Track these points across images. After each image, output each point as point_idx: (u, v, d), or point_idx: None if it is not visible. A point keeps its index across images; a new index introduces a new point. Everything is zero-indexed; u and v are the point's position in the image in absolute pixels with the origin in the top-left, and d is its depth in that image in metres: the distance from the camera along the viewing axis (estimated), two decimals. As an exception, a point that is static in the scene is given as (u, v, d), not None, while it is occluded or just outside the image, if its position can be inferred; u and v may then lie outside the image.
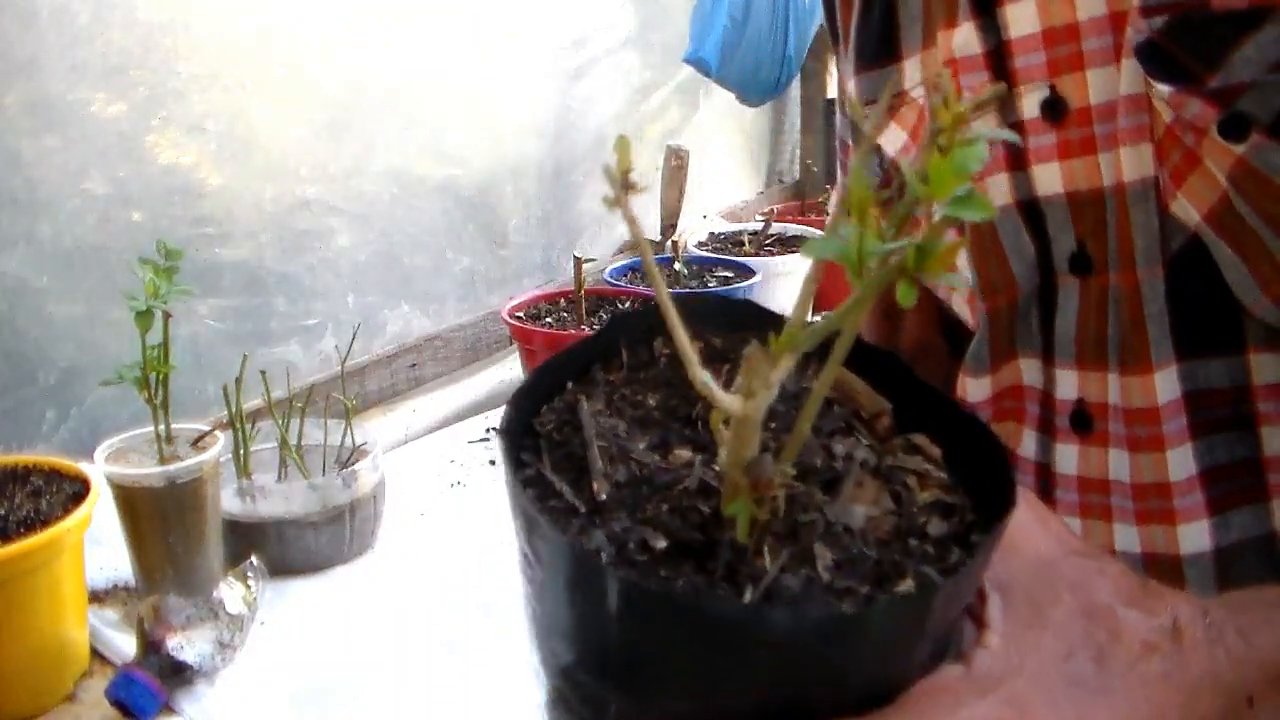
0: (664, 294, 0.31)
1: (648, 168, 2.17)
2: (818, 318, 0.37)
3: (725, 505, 0.33)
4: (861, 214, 0.27)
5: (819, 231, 2.04)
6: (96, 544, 1.07)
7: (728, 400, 0.31)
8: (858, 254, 0.27)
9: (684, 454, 0.37)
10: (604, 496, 0.35)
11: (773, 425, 0.37)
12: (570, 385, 0.40)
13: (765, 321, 0.42)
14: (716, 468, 0.35)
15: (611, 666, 0.33)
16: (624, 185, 0.30)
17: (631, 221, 0.29)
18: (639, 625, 0.31)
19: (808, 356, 0.41)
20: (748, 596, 0.31)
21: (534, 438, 0.38)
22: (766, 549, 0.33)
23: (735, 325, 0.43)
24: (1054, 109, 0.56)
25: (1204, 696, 0.36)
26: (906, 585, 0.33)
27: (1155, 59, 0.50)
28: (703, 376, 0.30)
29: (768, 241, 2.06)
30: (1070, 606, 0.36)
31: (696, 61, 2.08)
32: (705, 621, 0.30)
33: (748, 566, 0.32)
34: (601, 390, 0.40)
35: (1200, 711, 0.36)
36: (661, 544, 0.33)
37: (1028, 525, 0.38)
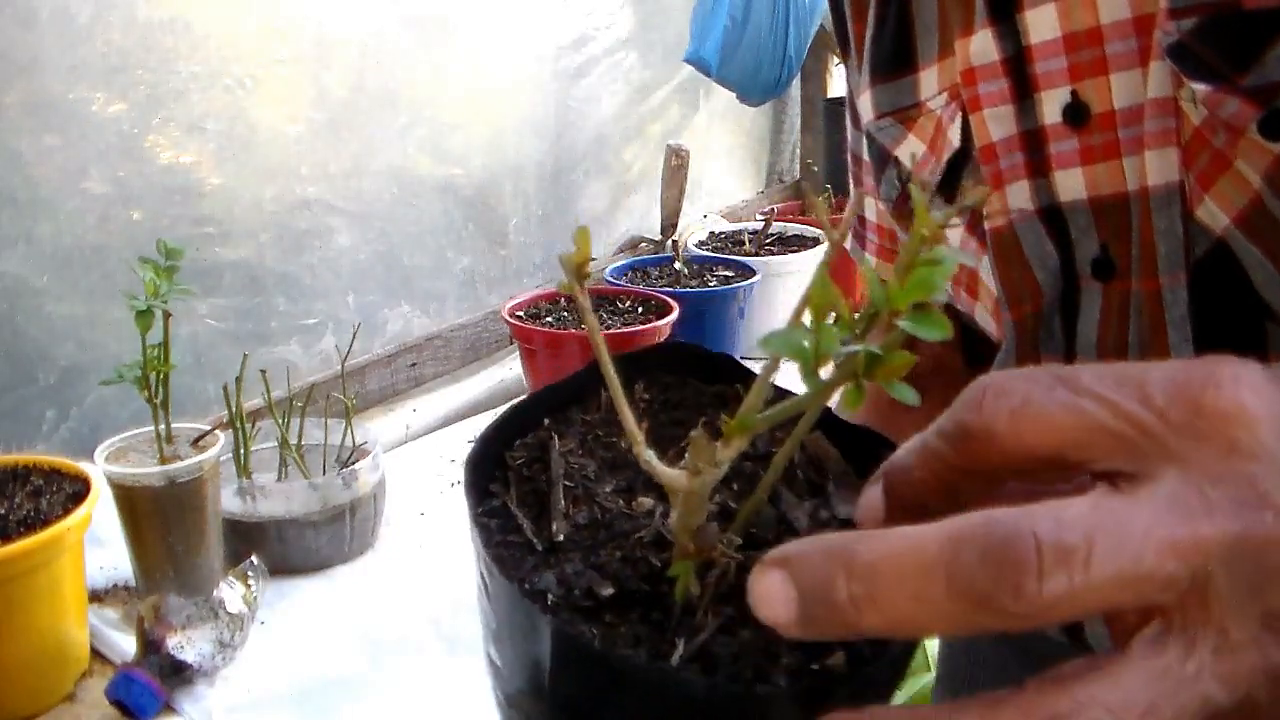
0: (608, 367, 0.32)
1: (648, 168, 2.18)
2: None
3: (672, 565, 0.34)
4: (821, 316, 0.28)
5: (819, 231, 2.04)
6: (96, 544, 1.07)
7: (671, 477, 0.31)
8: (814, 354, 0.28)
9: (647, 502, 0.37)
10: (561, 537, 0.36)
11: (734, 486, 0.38)
12: (546, 422, 0.41)
13: (742, 375, 0.43)
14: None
15: (547, 703, 0.34)
16: (579, 275, 0.31)
17: (586, 311, 0.31)
18: (568, 671, 0.32)
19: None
20: (678, 652, 0.32)
21: (504, 470, 0.39)
22: (709, 610, 0.33)
23: (715, 375, 0.43)
24: (1076, 114, 0.55)
25: None
26: (838, 659, 0.32)
27: (1186, 61, 0.50)
28: (646, 455, 0.32)
29: (768, 241, 2.06)
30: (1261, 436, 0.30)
31: (696, 61, 2.08)
32: (626, 677, 0.31)
33: (688, 623, 0.33)
34: (576, 430, 0.40)
35: None
36: (608, 592, 0.33)
37: None
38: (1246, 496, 0.27)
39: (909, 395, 0.28)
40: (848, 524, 0.37)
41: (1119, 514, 0.27)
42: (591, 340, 0.32)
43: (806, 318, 0.29)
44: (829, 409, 0.40)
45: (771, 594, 0.29)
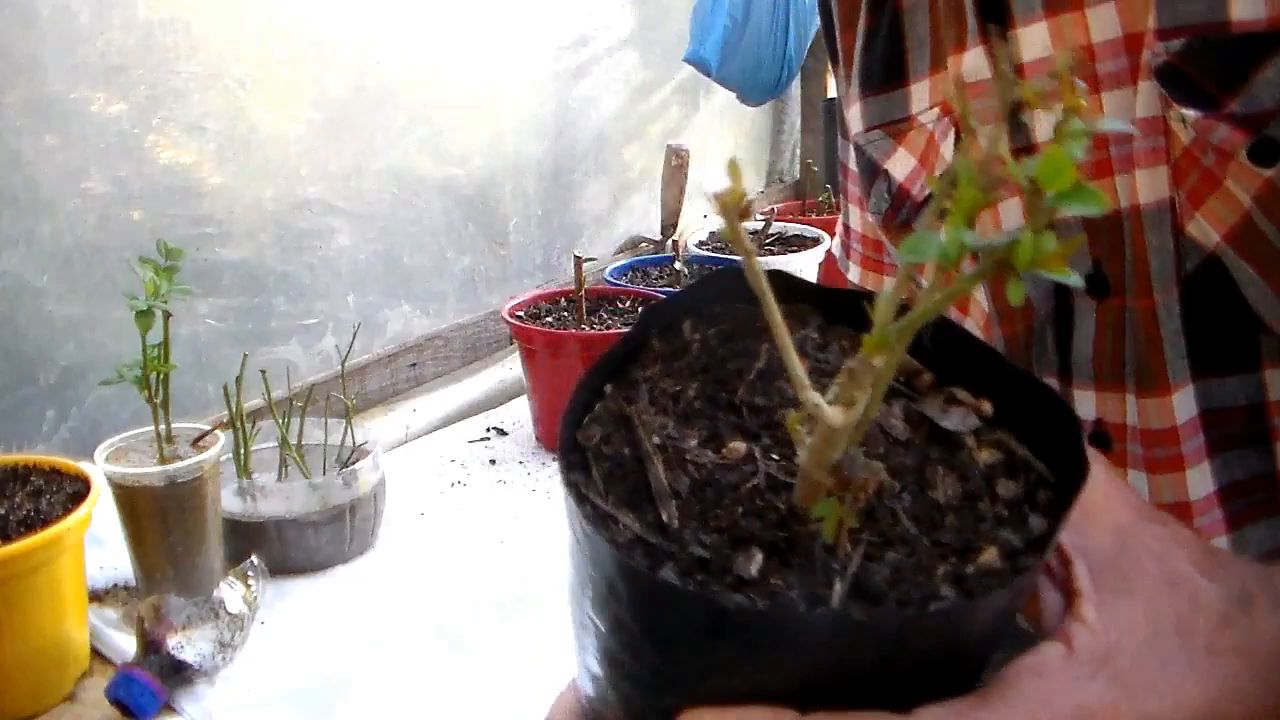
0: (771, 305, 0.30)
1: (648, 168, 2.18)
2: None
3: (803, 502, 0.32)
4: (970, 216, 0.25)
5: (819, 231, 2.04)
6: (96, 544, 1.07)
7: (832, 415, 0.30)
8: (957, 252, 0.25)
9: (738, 446, 0.35)
10: (675, 524, 0.33)
11: None
12: (609, 389, 0.38)
13: (788, 286, 0.41)
14: (775, 458, 0.35)
15: (673, 665, 0.32)
16: (739, 214, 0.29)
17: (749, 252, 0.29)
18: (726, 642, 0.30)
19: (832, 326, 0.41)
20: (837, 593, 0.31)
21: (580, 453, 0.36)
22: (848, 540, 0.32)
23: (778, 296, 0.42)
24: None
25: (1273, 664, 0.35)
26: (990, 555, 0.32)
27: (1174, 82, 0.50)
28: (814, 399, 0.30)
29: (768, 241, 2.06)
30: (1154, 576, 0.35)
31: (696, 61, 2.08)
32: (804, 635, 0.29)
33: (836, 561, 0.32)
34: (643, 389, 0.38)
35: (1270, 679, 0.35)
36: (755, 569, 0.31)
37: (1102, 489, 0.37)
38: None
39: (1075, 280, 0.26)
40: (938, 430, 0.37)
41: None
42: (752, 278, 0.30)
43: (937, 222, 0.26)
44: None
45: None
